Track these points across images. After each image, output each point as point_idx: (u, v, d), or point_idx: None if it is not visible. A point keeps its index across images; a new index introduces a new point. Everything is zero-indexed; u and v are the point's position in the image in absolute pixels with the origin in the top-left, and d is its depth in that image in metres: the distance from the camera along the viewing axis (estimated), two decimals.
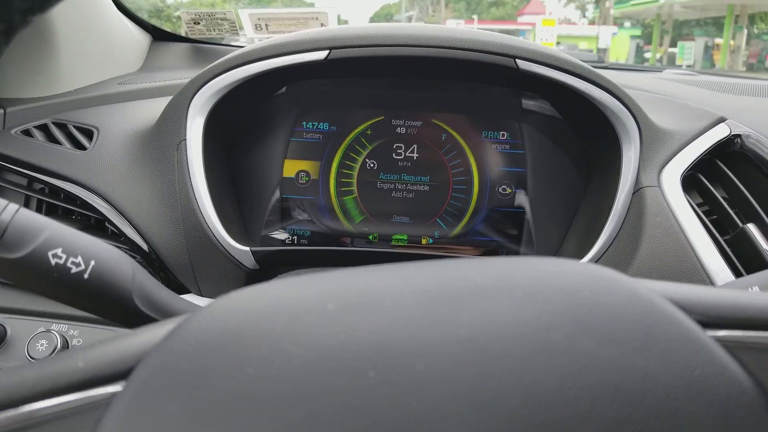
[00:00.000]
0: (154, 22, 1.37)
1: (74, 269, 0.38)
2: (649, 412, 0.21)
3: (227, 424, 0.21)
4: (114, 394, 0.24)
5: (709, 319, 0.25)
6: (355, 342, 0.24)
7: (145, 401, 0.23)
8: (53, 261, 0.37)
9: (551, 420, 0.21)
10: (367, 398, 0.21)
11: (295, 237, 0.86)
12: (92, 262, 0.39)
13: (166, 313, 0.41)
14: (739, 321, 0.25)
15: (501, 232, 0.85)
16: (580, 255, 0.73)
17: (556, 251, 0.83)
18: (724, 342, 0.24)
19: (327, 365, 0.23)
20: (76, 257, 0.38)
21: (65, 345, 0.70)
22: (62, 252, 0.38)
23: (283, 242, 0.86)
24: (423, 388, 0.22)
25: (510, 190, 0.85)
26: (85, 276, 0.38)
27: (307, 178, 0.86)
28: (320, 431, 0.21)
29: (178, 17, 1.41)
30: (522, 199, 0.84)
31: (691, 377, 0.22)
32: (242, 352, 0.24)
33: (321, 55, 0.73)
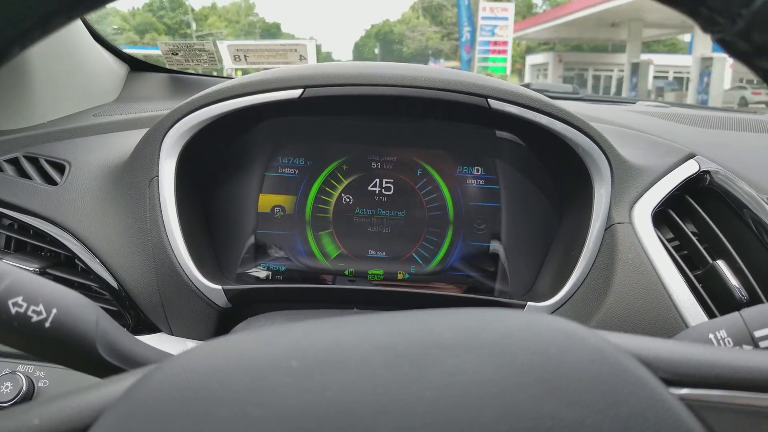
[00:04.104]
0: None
1: (35, 318, 0.37)
2: None
3: None
4: None
5: (674, 377, 0.25)
6: (318, 404, 0.23)
7: None
8: (13, 310, 0.37)
9: None
10: None
11: (270, 273, 0.85)
12: (54, 311, 0.38)
13: (131, 362, 0.40)
14: (703, 379, 0.26)
15: (476, 268, 0.85)
16: (553, 292, 0.73)
17: (530, 287, 0.83)
18: (688, 400, 0.24)
19: (288, 429, 0.22)
20: (37, 305, 0.37)
21: (31, 387, 0.68)
22: (23, 300, 0.37)
23: (257, 279, 0.85)
24: None
25: (485, 226, 0.85)
26: (47, 325, 0.37)
27: (282, 213, 0.86)
28: None
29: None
30: (496, 234, 0.85)
31: None
32: (202, 414, 0.23)
33: (295, 93, 0.73)
